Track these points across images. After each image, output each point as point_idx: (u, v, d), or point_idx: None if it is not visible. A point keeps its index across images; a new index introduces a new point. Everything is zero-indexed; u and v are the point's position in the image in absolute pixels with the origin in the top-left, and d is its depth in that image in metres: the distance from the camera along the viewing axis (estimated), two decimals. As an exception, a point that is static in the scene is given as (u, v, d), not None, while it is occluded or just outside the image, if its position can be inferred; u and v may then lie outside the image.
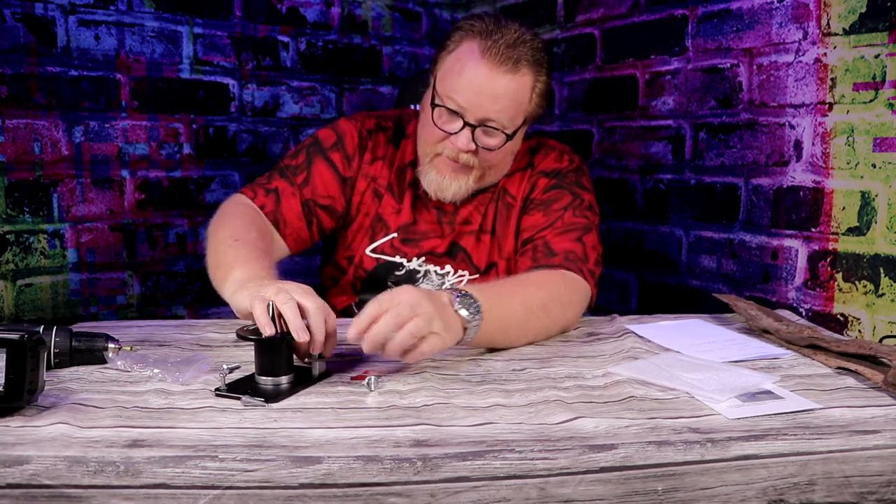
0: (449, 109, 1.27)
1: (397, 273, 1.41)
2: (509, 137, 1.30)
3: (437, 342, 0.99)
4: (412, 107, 1.69)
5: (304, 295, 0.98)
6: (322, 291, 1.49)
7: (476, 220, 1.42)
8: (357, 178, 1.41)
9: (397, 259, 1.41)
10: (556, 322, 1.21)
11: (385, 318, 0.95)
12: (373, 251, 1.41)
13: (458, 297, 1.05)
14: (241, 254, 1.16)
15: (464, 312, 1.04)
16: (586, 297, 1.29)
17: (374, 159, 1.42)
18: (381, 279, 1.42)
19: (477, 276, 1.41)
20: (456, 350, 1.10)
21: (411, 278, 1.41)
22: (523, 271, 1.32)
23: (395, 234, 1.41)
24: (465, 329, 1.05)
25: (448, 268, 1.41)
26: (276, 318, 0.95)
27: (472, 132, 1.28)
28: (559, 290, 1.23)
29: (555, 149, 1.45)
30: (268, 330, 0.94)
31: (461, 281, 1.41)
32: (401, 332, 0.95)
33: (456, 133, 1.28)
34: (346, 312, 1.46)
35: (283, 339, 0.95)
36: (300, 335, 0.94)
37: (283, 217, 1.35)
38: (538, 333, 1.19)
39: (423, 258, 1.41)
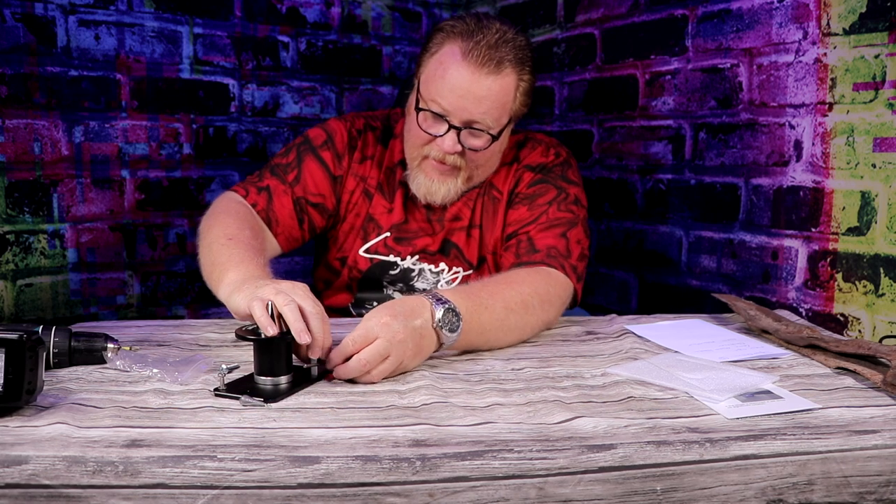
0: (433, 113, 1.28)
1: (392, 272, 1.41)
2: (495, 138, 1.30)
3: (397, 372, 1.00)
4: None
5: (303, 297, 0.98)
6: (316, 293, 1.49)
7: (465, 216, 1.42)
8: (347, 177, 1.42)
9: (391, 258, 1.41)
10: (537, 320, 1.21)
11: (355, 360, 0.96)
12: (366, 251, 1.41)
13: (441, 311, 1.04)
14: (235, 254, 1.15)
15: (444, 332, 1.04)
16: (568, 293, 1.29)
17: (363, 159, 1.42)
18: (376, 279, 1.42)
19: (471, 271, 1.42)
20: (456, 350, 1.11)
21: (406, 277, 1.41)
22: (506, 267, 1.32)
23: (388, 234, 1.41)
24: (441, 345, 1.05)
25: (442, 265, 1.41)
26: (276, 318, 0.96)
27: (458, 134, 1.28)
28: (541, 288, 1.22)
29: (541, 143, 1.45)
30: (270, 330, 0.94)
31: (456, 278, 1.41)
32: (367, 375, 0.97)
33: (441, 136, 1.28)
34: (343, 312, 1.46)
35: (283, 339, 0.95)
36: (302, 337, 0.94)
37: (275, 215, 1.35)
38: (519, 334, 1.18)
39: (417, 257, 1.41)
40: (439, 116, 1.27)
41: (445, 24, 1.31)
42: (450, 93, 1.25)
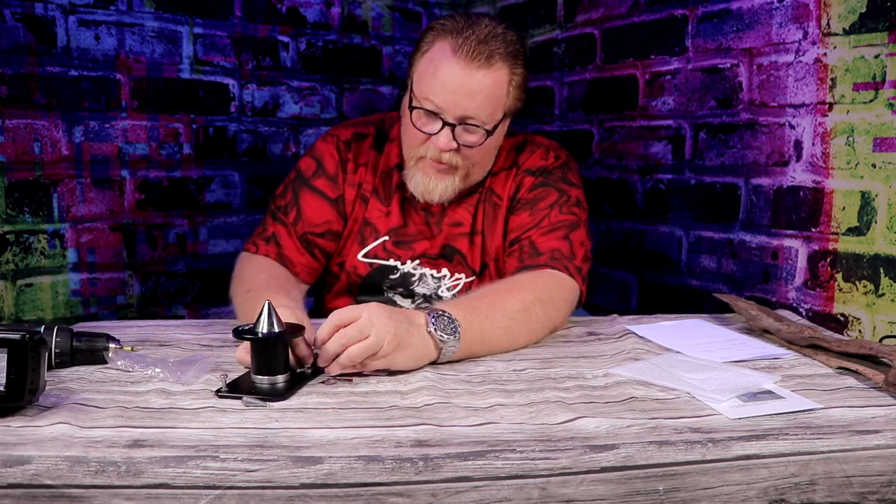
0: (427, 111, 1.27)
1: (392, 277, 1.41)
2: (489, 133, 1.30)
3: (382, 364, 1.00)
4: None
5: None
6: (318, 296, 1.49)
7: (467, 222, 1.41)
8: (345, 192, 1.42)
9: (391, 262, 1.40)
10: (541, 324, 1.21)
11: (335, 338, 0.97)
12: (365, 256, 1.41)
13: (434, 318, 1.04)
14: (257, 303, 1.18)
15: (439, 334, 1.04)
16: (574, 294, 1.29)
17: (357, 167, 1.42)
18: (376, 283, 1.41)
19: (473, 277, 1.41)
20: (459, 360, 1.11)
21: (406, 281, 1.41)
22: (510, 272, 1.32)
23: (387, 238, 1.41)
24: (440, 350, 1.05)
25: (444, 271, 1.41)
26: (275, 316, 0.96)
27: (453, 131, 1.28)
28: (543, 292, 1.23)
29: (541, 146, 1.45)
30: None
31: (458, 284, 1.41)
32: (343, 354, 0.97)
33: (436, 133, 1.28)
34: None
35: (280, 338, 0.95)
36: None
37: (287, 258, 1.37)
38: (524, 340, 1.18)
39: (418, 261, 1.41)
40: (433, 114, 1.27)
41: (436, 23, 1.31)
42: (441, 89, 1.25)
